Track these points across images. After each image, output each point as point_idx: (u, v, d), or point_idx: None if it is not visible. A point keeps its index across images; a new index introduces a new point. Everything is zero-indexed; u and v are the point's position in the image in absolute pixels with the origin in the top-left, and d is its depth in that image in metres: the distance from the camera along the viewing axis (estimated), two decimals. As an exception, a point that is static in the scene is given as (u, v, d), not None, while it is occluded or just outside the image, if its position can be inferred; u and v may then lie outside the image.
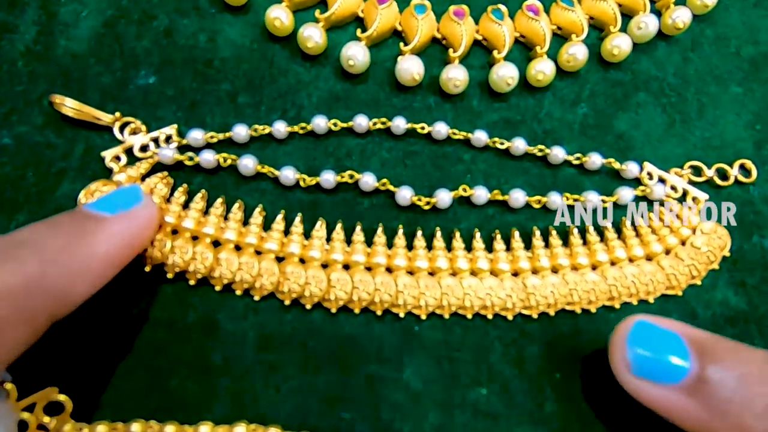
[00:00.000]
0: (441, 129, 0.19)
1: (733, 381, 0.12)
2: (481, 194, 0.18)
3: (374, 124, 0.19)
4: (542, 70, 0.20)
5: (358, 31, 0.20)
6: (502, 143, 0.19)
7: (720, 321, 0.18)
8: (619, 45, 0.20)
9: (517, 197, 0.18)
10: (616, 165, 0.19)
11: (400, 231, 0.18)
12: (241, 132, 0.19)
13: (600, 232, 0.19)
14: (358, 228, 0.18)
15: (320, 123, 0.19)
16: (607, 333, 0.18)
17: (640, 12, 0.21)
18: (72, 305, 0.13)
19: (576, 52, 0.20)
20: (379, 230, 0.18)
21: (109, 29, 0.20)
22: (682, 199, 0.19)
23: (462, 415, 0.16)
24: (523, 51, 0.21)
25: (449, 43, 0.20)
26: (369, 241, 0.18)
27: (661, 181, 0.19)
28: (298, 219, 0.18)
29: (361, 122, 0.19)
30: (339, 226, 0.18)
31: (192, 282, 0.17)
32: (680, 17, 0.21)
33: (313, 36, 0.19)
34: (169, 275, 0.17)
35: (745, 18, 0.22)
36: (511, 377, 0.17)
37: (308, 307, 0.17)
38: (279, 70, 0.20)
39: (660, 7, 0.22)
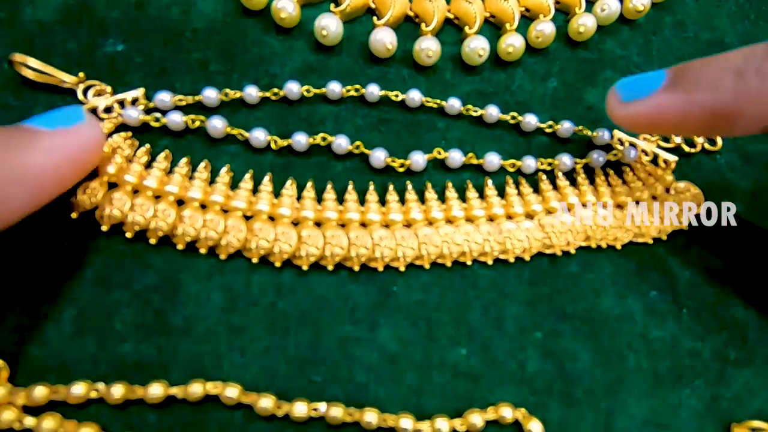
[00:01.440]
0: (414, 96, 0.19)
1: (698, 65, 0.14)
2: (455, 157, 0.18)
3: (348, 91, 0.19)
4: (512, 43, 0.20)
5: (332, 6, 0.20)
6: (475, 111, 0.19)
7: (698, 280, 0.18)
8: (584, 23, 0.21)
9: (492, 160, 0.18)
10: (588, 132, 0.19)
11: (372, 187, 0.17)
12: (210, 95, 0.18)
13: (572, 179, 0.19)
14: (329, 186, 0.17)
15: (293, 88, 0.19)
16: (585, 293, 0.17)
17: (603, -4, 0.22)
18: (5, 218, 0.13)
19: (544, 29, 0.21)
20: (350, 187, 0.17)
21: (79, 0, 0.20)
22: (653, 162, 0.19)
23: (441, 377, 0.15)
24: (493, 31, 0.21)
25: (422, 20, 0.21)
26: (341, 201, 0.17)
27: (632, 146, 0.19)
28: (267, 178, 0.17)
29: (335, 89, 0.19)
30: (310, 184, 0.17)
31: (153, 241, 0.16)
32: (640, 1, 0.22)
33: (286, 7, 0.19)
34: (129, 234, 0.16)
35: (700, 7, 0.23)
36: (491, 337, 0.16)
37: (278, 264, 0.16)
38: (252, 41, 0.20)
39: (621, -7, 0.23)
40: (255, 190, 0.17)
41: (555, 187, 0.19)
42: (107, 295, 0.15)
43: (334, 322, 0.16)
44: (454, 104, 0.19)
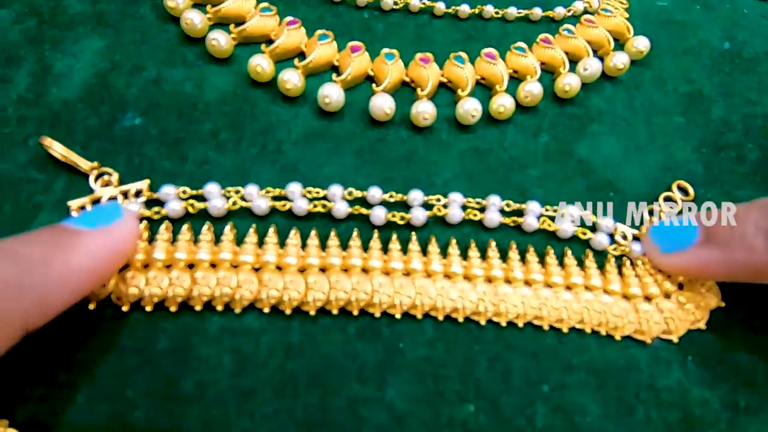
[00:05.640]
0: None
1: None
2: (455, 214, 0.18)
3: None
4: (503, 103, 0.21)
5: (334, 76, 0.21)
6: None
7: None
8: (569, 82, 0.22)
9: (492, 218, 0.18)
10: (594, 218, 0.19)
11: (376, 234, 0.18)
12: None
13: (580, 260, 0.18)
14: (333, 233, 0.17)
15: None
16: (588, 343, 0.17)
17: (584, 57, 0.23)
18: (46, 316, 0.13)
19: (532, 89, 0.21)
20: (354, 234, 0.17)
21: (100, 79, 0.20)
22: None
23: (450, 435, 0.15)
24: (484, 91, 0.22)
25: (417, 85, 0.21)
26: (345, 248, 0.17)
27: (636, 240, 0.18)
28: (271, 230, 0.17)
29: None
30: (313, 232, 0.17)
31: (173, 308, 0.16)
32: (620, 60, 0.22)
33: (291, 79, 0.20)
34: (148, 308, 0.16)
35: (676, 62, 0.24)
36: (498, 392, 0.15)
37: (288, 312, 0.16)
38: (260, 111, 0.20)
39: (601, 53, 0.23)
40: (260, 243, 0.17)
41: (561, 263, 0.18)
42: (119, 362, 0.15)
43: (342, 381, 0.15)
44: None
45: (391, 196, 0.18)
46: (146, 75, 0.21)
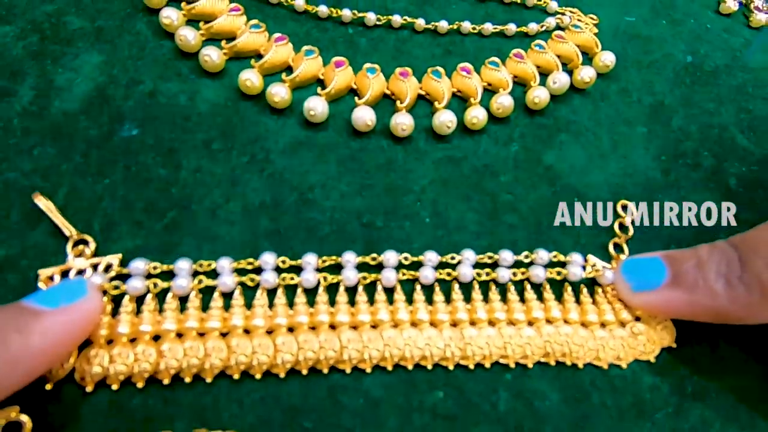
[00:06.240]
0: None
1: (691, 266, 0.17)
2: (428, 275, 0.18)
3: (324, 261, 0.18)
4: (476, 115, 0.22)
5: (319, 89, 0.22)
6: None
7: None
8: (539, 95, 0.23)
9: (465, 273, 0.18)
10: (561, 257, 0.19)
11: (342, 288, 0.18)
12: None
13: (539, 292, 0.19)
14: (300, 290, 0.18)
15: (268, 260, 0.18)
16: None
17: (554, 71, 0.24)
18: None
19: (503, 101, 0.23)
20: (321, 290, 0.18)
21: (100, 92, 0.22)
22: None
23: (420, 419, 0.16)
24: (460, 103, 0.24)
25: (397, 97, 0.23)
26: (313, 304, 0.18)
27: (607, 269, 0.19)
28: (237, 292, 0.17)
29: (310, 260, 0.18)
30: (280, 291, 0.18)
31: (140, 384, 0.16)
32: (587, 74, 0.24)
33: (279, 92, 0.22)
34: (114, 386, 0.15)
35: (641, 75, 0.26)
36: (465, 380, 0.17)
37: (258, 377, 0.16)
38: (249, 122, 0.22)
39: (570, 67, 0.25)
40: (227, 307, 0.17)
41: (523, 298, 0.18)
42: (119, 354, 0.16)
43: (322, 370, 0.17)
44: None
45: (372, 260, 0.18)
46: (142, 88, 0.22)
